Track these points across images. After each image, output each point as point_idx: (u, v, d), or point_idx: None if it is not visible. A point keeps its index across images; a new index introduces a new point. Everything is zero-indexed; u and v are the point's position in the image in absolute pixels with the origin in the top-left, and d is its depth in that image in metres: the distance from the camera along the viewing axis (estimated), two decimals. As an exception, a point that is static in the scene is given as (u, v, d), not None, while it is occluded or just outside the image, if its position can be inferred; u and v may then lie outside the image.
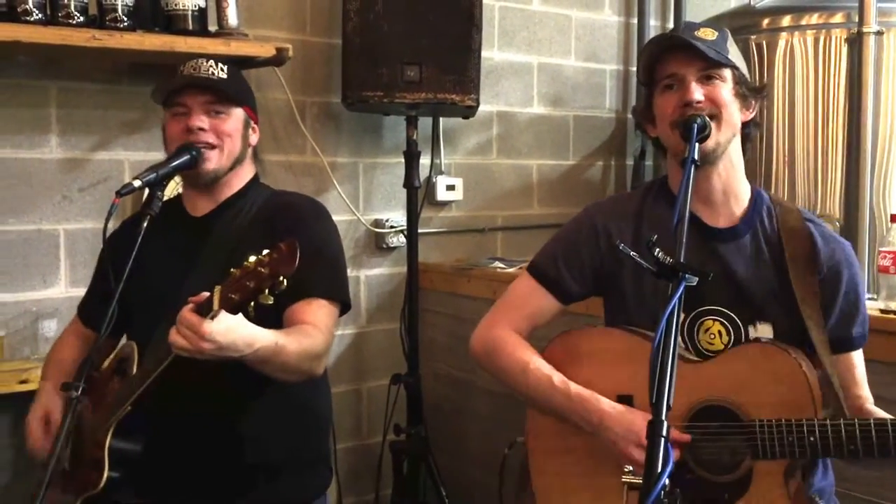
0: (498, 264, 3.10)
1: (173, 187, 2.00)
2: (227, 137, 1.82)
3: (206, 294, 1.48)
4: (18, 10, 2.29)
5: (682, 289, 1.20)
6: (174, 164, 1.75)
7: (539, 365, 1.64)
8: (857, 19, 2.65)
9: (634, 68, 3.77)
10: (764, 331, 1.58)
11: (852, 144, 2.68)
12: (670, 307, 1.17)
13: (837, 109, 2.77)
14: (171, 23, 2.52)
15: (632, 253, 1.37)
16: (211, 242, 1.83)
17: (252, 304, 1.43)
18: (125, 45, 2.40)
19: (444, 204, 3.38)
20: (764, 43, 2.91)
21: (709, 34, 1.55)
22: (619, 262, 1.65)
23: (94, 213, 2.69)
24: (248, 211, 1.87)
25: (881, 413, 1.53)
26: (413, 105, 2.86)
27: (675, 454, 1.04)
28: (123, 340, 1.86)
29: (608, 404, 1.55)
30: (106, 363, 1.87)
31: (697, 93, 1.52)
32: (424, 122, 3.15)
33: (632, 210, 1.70)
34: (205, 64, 1.82)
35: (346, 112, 3.03)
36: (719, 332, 1.58)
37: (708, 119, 1.50)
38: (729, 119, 1.54)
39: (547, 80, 3.61)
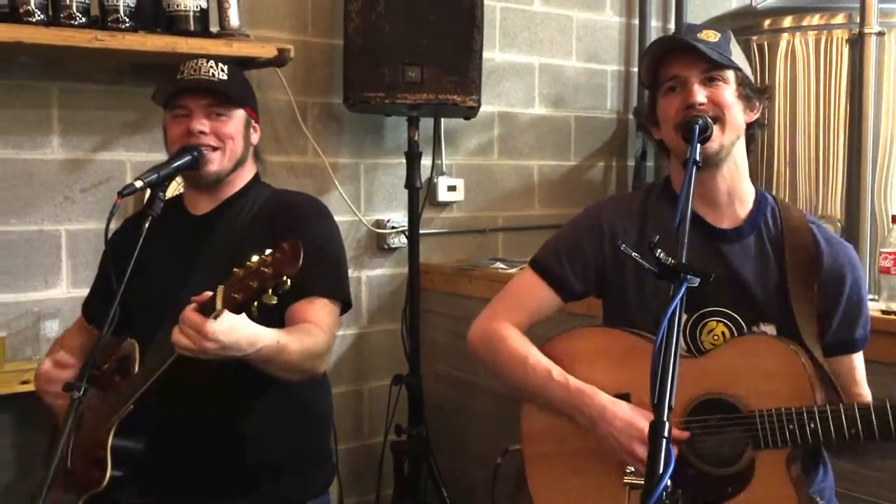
0: (499, 265, 3.10)
1: (174, 187, 2.00)
2: (229, 139, 1.82)
3: (209, 294, 1.48)
4: (20, 10, 2.29)
5: (683, 289, 1.19)
6: (176, 164, 1.75)
7: (539, 358, 1.64)
8: (858, 20, 2.65)
9: (636, 69, 3.77)
10: (767, 332, 1.57)
11: (853, 145, 2.68)
12: (672, 308, 1.16)
13: (838, 110, 2.77)
14: (173, 24, 2.52)
15: (633, 254, 1.37)
16: (212, 241, 1.83)
17: (255, 303, 1.43)
18: (127, 45, 2.41)
19: (446, 204, 3.38)
20: (765, 44, 2.91)
21: (711, 36, 1.55)
22: (622, 262, 1.65)
23: (95, 213, 2.69)
24: (249, 210, 1.87)
25: None
26: (414, 106, 2.86)
27: (673, 451, 1.04)
28: (126, 340, 1.86)
29: (608, 399, 1.55)
30: (107, 363, 1.87)
31: (700, 95, 1.51)
32: (426, 123, 3.15)
33: (636, 210, 1.69)
34: (205, 64, 1.82)
35: (347, 113, 3.04)
36: (723, 333, 1.58)
37: (709, 120, 1.49)
38: (732, 121, 1.54)
39: (548, 81, 3.61)
